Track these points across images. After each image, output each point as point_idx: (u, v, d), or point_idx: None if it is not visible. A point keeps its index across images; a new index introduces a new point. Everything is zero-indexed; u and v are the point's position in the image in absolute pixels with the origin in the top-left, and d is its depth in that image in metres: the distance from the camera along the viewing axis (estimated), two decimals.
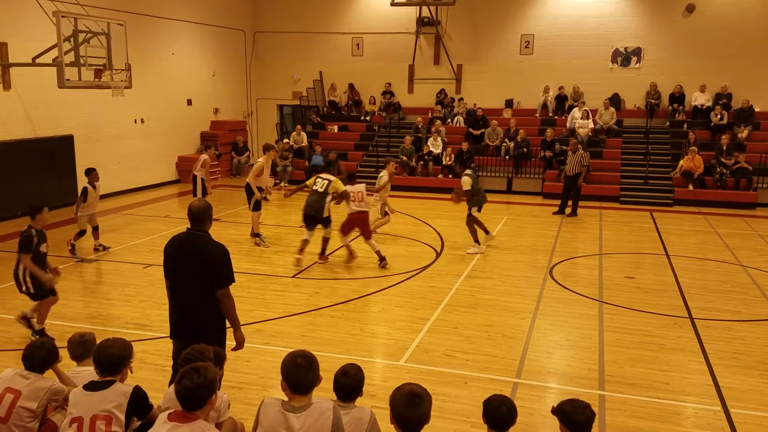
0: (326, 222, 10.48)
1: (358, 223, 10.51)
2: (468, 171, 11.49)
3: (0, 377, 4.29)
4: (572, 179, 14.90)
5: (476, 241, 11.45)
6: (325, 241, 10.55)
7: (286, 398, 3.54)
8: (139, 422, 4.02)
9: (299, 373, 3.43)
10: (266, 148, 12.13)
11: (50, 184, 14.77)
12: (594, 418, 3.53)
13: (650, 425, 5.56)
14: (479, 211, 11.44)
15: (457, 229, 13.57)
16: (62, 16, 12.08)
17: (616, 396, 6.05)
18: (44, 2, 13.08)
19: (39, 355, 4.29)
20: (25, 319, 7.34)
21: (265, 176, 12.03)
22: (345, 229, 10.58)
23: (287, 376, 3.45)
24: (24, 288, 7.13)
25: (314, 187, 10.35)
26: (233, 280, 4.94)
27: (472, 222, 11.46)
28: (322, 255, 10.58)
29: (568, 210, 15.04)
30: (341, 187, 10.27)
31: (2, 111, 13.71)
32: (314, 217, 10.35)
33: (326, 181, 10.28)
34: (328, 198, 10.27)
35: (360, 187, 10.68)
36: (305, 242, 10.46)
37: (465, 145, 18.50)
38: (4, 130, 13.75)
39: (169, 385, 4.45)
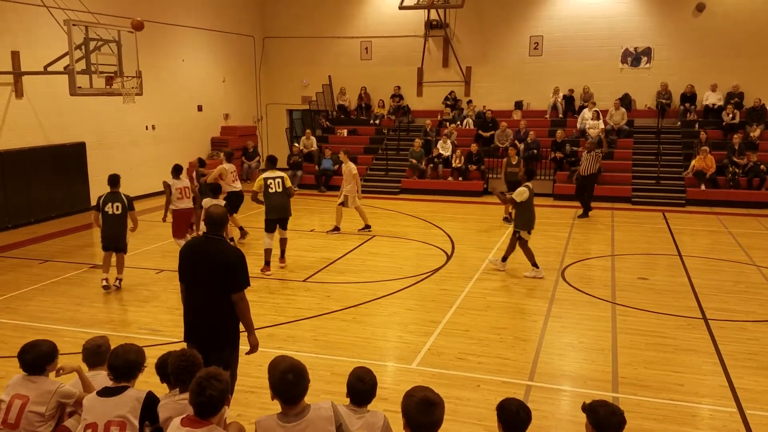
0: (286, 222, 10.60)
1: (185, 219, 10.72)
2: (529, 183, 10.07)
3: (9, 384, 4.32)
4: (586, 179, 14.91)
5: (534, 264, 10.04)
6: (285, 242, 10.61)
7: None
8: (152, 427, 4.04)
9: (289, 389, 3.39)
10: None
11: (62, 191, 14.89)
12: (624, 426, 3.45)
13: (665, 427, 5.51)
14: (529, 233, 10.08)
15: (468, 231, 13.58)
16: (73, 25, 12.19)
17: (631, 398, 6.01)
18: (55, 11, 13.20)
19: (26, 359, 4.30)
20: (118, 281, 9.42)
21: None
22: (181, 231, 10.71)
23: (277, 390, 3.41)
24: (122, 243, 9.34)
25: (270, 190, 10.21)
26: (248, 284, 4.97)
27: (525, 244, 10.06)
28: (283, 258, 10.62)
29: (580, 211, 15.00)
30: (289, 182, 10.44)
31: (15, 119, 13.84)
32: (285, 219, 10.43)
33: (280, 179, 10.30)
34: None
35: (186, 182, 10.85)
36: (271, 251, 10.39)
37: (474, 147, 18.49)
38: (17, 137, 13.88)
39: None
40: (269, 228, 10.37)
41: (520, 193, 9.86)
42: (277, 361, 3.50)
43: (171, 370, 4.03)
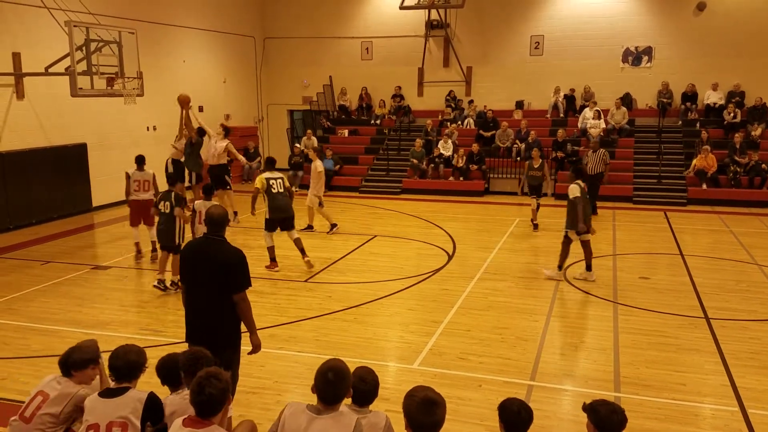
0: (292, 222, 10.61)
1: (141, 210, 10.93)
2: (579, 181, 9.75)
3: (42, 381, 4.37)
4: (594, 178, 14.95)
5: (560, 266, 9.95)
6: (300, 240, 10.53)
7: (307, 402, 3.58)
8: (154, 428, 4.04)
9: (327, 388, 3.46)
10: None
11: (64, 192, 14.89)
12: (626, 424, 3.48)
13: (667, 427, 5.51)
14: (578, 234, 9.74)
15: (469, 231, 13.57)
16: (74, 26, 12.21)
17: (632, 398, 6.00)
18: (56, 12, 13.22)
19: (60, 361, 4.35)
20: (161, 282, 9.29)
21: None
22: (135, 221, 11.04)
23: (317, 386, 3.49)
24: (178, 241, 9.39)
25: (273, 190, 10.24)
26: (250, 285, 4.98)
27: (567, 244, 9.85)
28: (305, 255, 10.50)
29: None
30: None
31: (16, 120, 13.85)
32: (289, 219, 10.42)
33: (281, 179, 10.37)
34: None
35: (147, 176, 11.01)
36: (274, 248, 10.50)
37: (475, 147, 18.49)
38: (18, 139, 13.88)
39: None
40: (270, 227, 10.42)
41: (572, 191, 9.61)
42: (328, 360, 3.59)
43: (181, 365, 4.06)
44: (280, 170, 11.02)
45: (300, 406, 3.52)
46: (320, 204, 13.24)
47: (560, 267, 9.91)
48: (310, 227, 13.31)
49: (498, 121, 19.63)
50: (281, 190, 10.29)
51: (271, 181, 10.24)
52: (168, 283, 9.30)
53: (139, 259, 11.10)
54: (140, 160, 11.10)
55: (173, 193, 9.47)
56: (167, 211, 9.35)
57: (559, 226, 13.45)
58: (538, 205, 13.78)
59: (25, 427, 4.12)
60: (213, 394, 3.37)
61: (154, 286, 9.26)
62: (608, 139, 18.61)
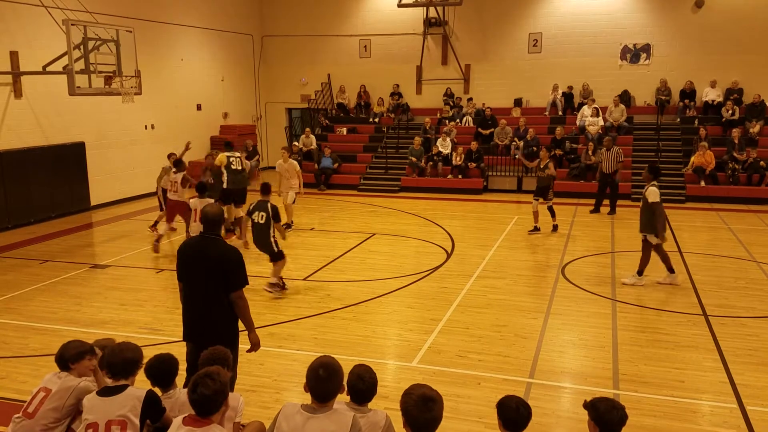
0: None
1: (177, 210, 11.52)
2: (655, 182, 9.27)
3: (43, 379, 4.39)
4: (608, 176, 14.96)
5: (670, 269, 9.45)
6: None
7: (303, 401, 3.58)
8: (153, 426, 4.04)
9: (319, 384, 3.46)
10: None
11: (62, 191, 14.89)
12: (626, 421, 3.50)
13: (666, 424, 5.51)
14: (664, 239, 9.24)
15: (467, 229, 13.57)
16: (72, 24, 12.19)
17: (631, 395, 6.01)
18: (54, 11, 13.20)
19: (56, 357, 4.38)
20: (274, 285, 9.09)
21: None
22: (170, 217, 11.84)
23: (309, 383, 3.50)
24: (275, 249, 9.04)
25: (233, 166, 12.15)
26: (247, 283, 4.99)
27: (660, 248, 9.34)
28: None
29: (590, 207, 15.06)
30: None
31: (14, 119, 13.84)
32: (242, 192, 12.22)
33: (238, 158, 12.28)
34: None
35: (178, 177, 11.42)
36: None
37: (474, 145, 18.49)
38: (16, 138, 13.87)
39: (185, 387, 4.47)
40: (225, 199, 11.94)
41: (652, 194, 9.12)
42: (319, 356, 3.60)
43: (201, 364, 4.07)
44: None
45: (295, 407, 3.51)
46: (293, 201, 13.45)
47: (671, 269, 9.43)
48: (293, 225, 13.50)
49: (496, 118, 19.62)
50: (239, 168, 12.18)
51: (231, 159, 12.14)
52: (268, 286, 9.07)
53: (157, 249, 11.33)
54: (176, 164, 11.59)
55: (269, 204, 8.96)
56: (262, 221, 8.91)
57: (559, 223, 13.54)
58: (550, 208, 13.03)
59: (29, 423, 4.13)
60: (205, 394, 3.37)
61: (265, 289, 8.98)
62: (606, 136, 18.58)
